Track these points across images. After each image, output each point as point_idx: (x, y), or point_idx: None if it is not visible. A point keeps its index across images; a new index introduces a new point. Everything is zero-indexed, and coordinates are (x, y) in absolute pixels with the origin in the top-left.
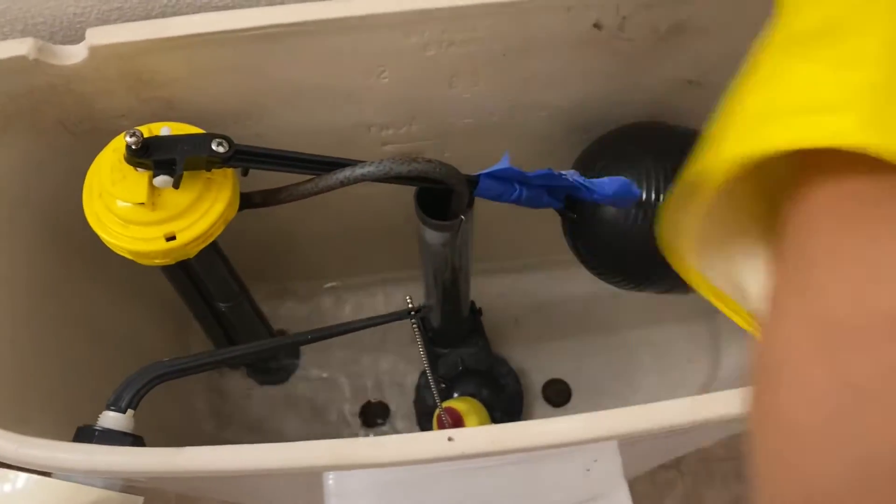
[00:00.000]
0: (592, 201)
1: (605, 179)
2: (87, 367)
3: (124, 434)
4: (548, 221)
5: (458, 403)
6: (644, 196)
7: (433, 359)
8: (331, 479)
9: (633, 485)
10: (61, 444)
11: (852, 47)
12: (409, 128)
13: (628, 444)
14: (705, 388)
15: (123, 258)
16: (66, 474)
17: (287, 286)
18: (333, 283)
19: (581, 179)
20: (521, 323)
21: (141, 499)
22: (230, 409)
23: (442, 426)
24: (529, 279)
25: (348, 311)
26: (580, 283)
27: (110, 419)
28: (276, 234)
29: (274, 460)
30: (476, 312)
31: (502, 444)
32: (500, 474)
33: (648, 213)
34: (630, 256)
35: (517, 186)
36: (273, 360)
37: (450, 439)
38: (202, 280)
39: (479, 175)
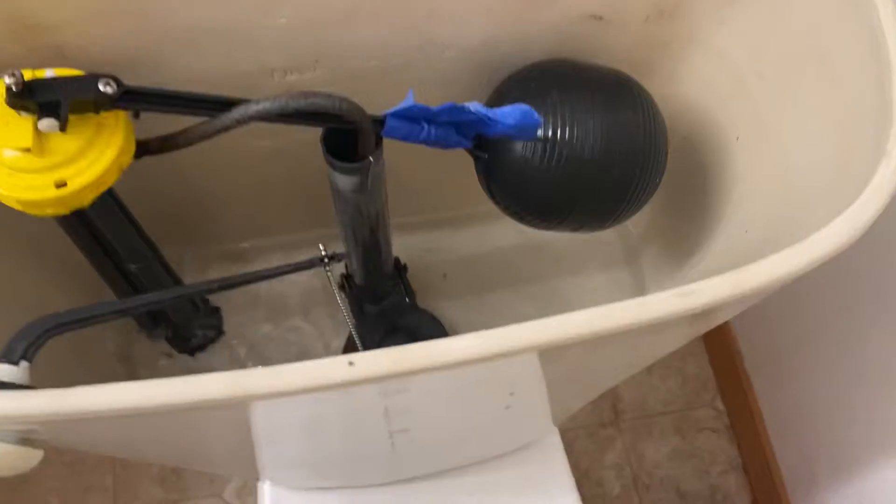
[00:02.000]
0: (498, 135)
1: (506, 108)
2: None
3: (17, 386)
4: (465, 172)
5: None
6: (550, 133)
7: (358, 314)
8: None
9: (573, 443)
10: None
11: None
12: (314, 73)
13: (549, 371)
14: None
15: (26, 219)
16: None
17: (204, 250)
18: (252, 244)
19: (483, 110)
20: (450, 278)
21: (41, 453)
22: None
23: None
24: (455, 234)
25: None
26: (505, 236)
27: (3, 371)
28: (191, 195)
29: (171, 394)
30: (401, 268)
31: (403, 364)
32: (430, 419)
33: (555, 150)
34: (540, 194)
35: (424, 125)
36: (191, 329)
37: (350, 364)
38: (107, 239)
39: (385, 114)
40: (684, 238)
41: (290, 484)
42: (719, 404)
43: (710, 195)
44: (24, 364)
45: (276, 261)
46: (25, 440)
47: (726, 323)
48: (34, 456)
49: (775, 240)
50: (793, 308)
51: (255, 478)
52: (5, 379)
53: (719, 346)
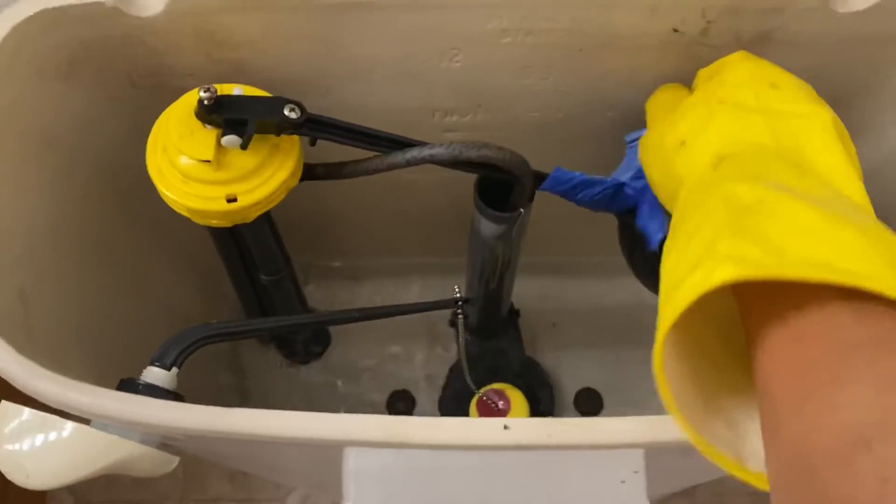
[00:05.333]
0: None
1: None
2: (124, 323)
3: (167, 391)
4: (598, 219)
5: (501, 387)
6: None
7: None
8: (351, 459)
9: None
10: (109, 392)
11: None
12: (474, 116)
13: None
14: None
15: (170, 218)
16: (105, 424)
17: (318, 263)
18: (360, 262)
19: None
20: (559, 328)
21: (177, 459)
22: (252, 386)
23: (484, 408)
24: (571, 283)
25: (380, 297)
26: (623, 292)
27: (155, 374)
28: (318, 209)
29: (326, 430)
30: (514, 313)
31: (560, 438)
32: (527, 475)
33: None
34: None
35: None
36: (300, 339)
37: (505, 427)
38: (248, 249)
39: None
40: None
41: None
42: None
43: None
44: (174, 370)
45: (387, 283)
46: (164, 445)
47: None
48: (170, 461)
49: None
50: None
51: (340, 498)
52: (157, 383)
53: None
